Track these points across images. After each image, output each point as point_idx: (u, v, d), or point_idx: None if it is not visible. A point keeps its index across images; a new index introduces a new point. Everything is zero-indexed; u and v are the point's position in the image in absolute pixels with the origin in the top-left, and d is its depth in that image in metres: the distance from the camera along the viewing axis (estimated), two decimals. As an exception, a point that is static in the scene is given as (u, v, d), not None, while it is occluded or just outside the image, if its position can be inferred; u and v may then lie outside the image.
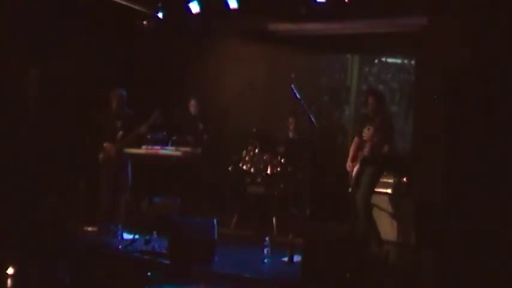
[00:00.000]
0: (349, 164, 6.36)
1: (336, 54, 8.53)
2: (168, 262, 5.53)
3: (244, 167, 7.22)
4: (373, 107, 6.28)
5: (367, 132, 6.23)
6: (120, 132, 6.76)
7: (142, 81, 8.05)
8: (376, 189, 6.40)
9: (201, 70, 8.57)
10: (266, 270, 5.56)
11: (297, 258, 5.68)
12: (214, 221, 5.61)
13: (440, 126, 6.66)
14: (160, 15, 8.12)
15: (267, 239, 5.78)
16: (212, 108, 8.04)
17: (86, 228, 6.76)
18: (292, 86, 6.52)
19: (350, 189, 6.24)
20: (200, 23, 8.09)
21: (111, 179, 6.79)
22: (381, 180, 6.48)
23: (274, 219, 7.01)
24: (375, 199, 6.36)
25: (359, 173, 6.19)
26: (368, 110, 6.39)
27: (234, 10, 7.65)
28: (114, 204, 6.76)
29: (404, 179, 6.94)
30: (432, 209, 6.49)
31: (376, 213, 6.41)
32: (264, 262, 5.68)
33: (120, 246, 6.08)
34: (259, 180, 7.18)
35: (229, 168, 7.39)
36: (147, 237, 6.05)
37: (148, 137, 6.87)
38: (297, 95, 6.57)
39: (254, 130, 7.43)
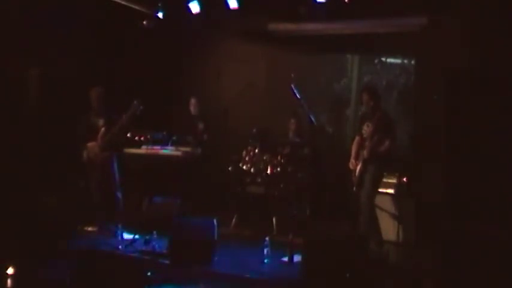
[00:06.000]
0: (352, 161, 6.36)
1: (336, 54, 8.53)
2: (168, 262, 5.53)
3: (244, 167, 7.21)
4: (368, 103, 6.31)
5: (366, 129, 6.26)
6: (102, 129, 6.75)
7: (143, 82, 8.05)
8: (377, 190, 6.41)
9: (201, 70, 8.57)
10: (266, 270, 5.55)
11: (297, 258, 5.68)
12: (214, 221, 5.60)
13: (440, 126, 6.65)
14: (160, 15, 8.12)
15: (267, 239, 5.77)
16: (212, 108, 8.04)
17: (86, 228, 6.76)
18: (292, 86, 6.53)
19: (355, 188, 6.24)
20: (200, 23, 8.09)
21: (98, 178, 6.78)
22: (382, 180, 6.48)
23: (274, 219, 7.02)
24: (375, 199, 6.36)
25: (362, 172, 6.20)
26: (365, 107, 6.41)
27: (234, 10, 7.65)
28: (107, 204, 6.76)
29: (404, 179, 6.94)
30: (432, 209, 6.49)
31: (376, 213, 6.40)
32: (264, 262, 5.67)
33: (120, 246, 6.07)
34: (259, 180, 7.18)
35: (229, 168, 7.39)
36: (147, 237, 6.04)
37: (148, 137, 6.86)
38: (297, 95, 6.57)
39: (254, 130, 7.43)
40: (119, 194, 6.81)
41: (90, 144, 6.78)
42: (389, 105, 7.90)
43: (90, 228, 6.76)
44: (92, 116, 6.85)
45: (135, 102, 6.61)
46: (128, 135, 6.86)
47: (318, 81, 8.46)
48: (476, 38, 6.48)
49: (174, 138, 7.23)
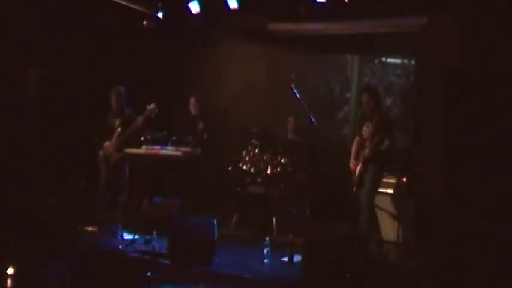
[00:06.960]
0: (352, 161, 6.36)
1: (336, 54, 8.53)
2: (168, 262, 5.53)
3: (244, 167, 7.21)
4: (368, 104, 6.30)
5: (366, 130, 6.25)
6: (118, 130, 6.78)
7: (143, 82, 8.05)
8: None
9: (201, 70, 8.57)
10: (266, 270, 5.55)
11: (297, 258, 5.68)
12: (214, 221, 5.60)
13: (441, 126, 6.66)
14: (160, 15, 8.12)
15: (267, 239, 5.77)
16: (212, 108, 8.04)
17: (86, 228, 6.76)
18: (292, 86, 6.53)
19: (354, 188, 6.25)
20: (200, 23, 8.09)
21: (109, 178, 6.80)
22: (382, 180, 6.48)
23: (274, 219, 7.01)
24: (375, 199, 6.36)
25: (362, 172, 6.21)
26: (364, 108, 6.41)
27: (234, 10, 7.64)
28: (111, 204, 6.77)
29: (404, 179, 6.94)
30: (432, 209, 6.49)
31: (376, 213, 6.40)
32: (264, 262, 5.67)
33: (120, 246, 6.08)
34: (259, 180, 7.18)
35: (229, 168, 7.39)
36: (147, 237, 6.04)
37: (148, 137, 6.86)
38: (297, 95, 6.57)
39: (254, 130, 7.43)
40: (125, 196, 6.82)
41: (106, 144, 6.82)
42: (389, 105, 7.90)
43: (90, 228, 6.76)
44: (110, 115, 6.90)
45: (152, 105, 6.67)
46: (142, 138, 6.89)
47: (318, 81, 8.46)
48: (476, 38, 6.47)
49: (174, 138, 7.22)
